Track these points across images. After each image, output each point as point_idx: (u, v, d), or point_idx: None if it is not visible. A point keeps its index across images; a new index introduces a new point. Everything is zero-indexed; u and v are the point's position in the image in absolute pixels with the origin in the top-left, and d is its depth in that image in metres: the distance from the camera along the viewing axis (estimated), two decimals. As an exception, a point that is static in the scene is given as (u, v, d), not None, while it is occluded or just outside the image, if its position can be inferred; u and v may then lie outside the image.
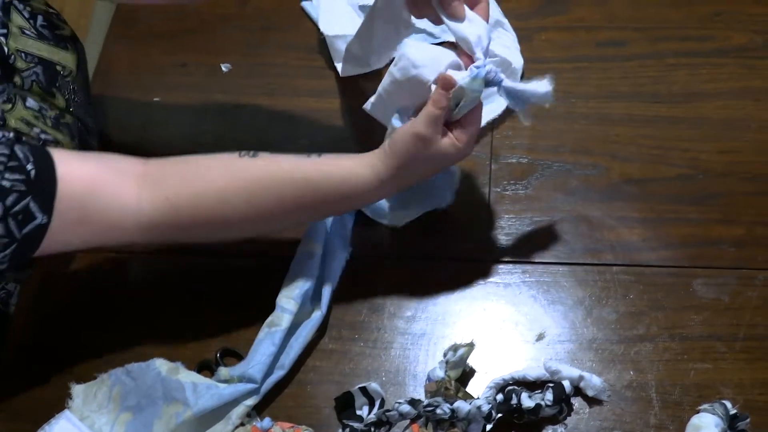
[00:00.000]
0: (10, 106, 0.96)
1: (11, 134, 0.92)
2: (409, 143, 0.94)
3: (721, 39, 1.19)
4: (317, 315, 1.01)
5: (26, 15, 1.01)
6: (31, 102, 0.98)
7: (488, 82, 0.94)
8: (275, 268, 1.04)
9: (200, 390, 0.95)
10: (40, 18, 1.03)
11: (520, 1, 1.24)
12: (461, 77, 0.92)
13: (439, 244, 1.07)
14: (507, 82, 0.95)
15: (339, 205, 1.00)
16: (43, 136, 0.98)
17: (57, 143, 0.99)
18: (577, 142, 1.12)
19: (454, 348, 0.96)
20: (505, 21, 1.20)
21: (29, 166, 0.87)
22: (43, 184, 0.88)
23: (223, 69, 1.24)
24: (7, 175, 0.85)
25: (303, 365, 1.00)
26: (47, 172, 0.88)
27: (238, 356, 1.01)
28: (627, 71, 1.18)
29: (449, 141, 0.94)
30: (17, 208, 0.86)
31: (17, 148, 0.88)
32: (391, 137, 0.96)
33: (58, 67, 1.04)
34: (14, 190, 0.86)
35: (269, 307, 1.00)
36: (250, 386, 0.96)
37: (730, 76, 1.16)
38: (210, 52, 1.25)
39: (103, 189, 0.92)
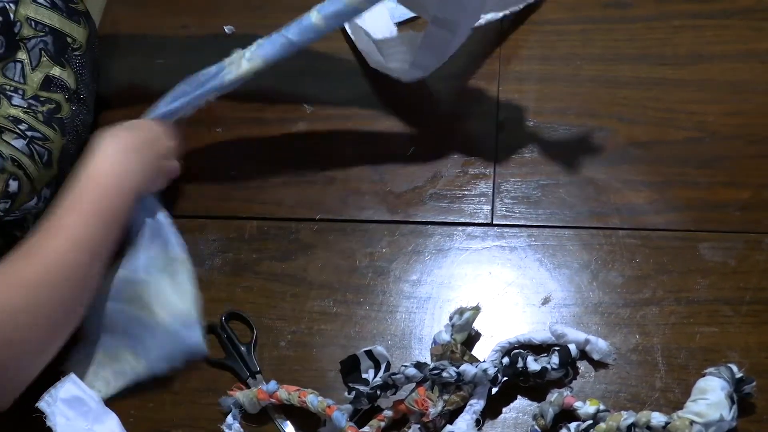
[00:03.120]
0: None
1: None
2: None
3: (727, 0, 1.18)
4: None
5: None
6: (18, 100, 0.97)
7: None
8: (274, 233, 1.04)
9: None
10: None
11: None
12: None
13: (444, 208, 1.07)
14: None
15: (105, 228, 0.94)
16: (30, 133, 0.96)
17: (46, 140, 0.98)
18: (583, 104, 1.12)
19: (460, 311, 0.96)
20: None
21: None
22: None
23: (226, 31, 1.23)
24: None
25: (308, 328, 1.00)
26: None
27: (244, 320, 1.01)
28: (633, 33, 1.17)
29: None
30: None
31: None
32: None
33: (69, 39, 1.02)
34: None
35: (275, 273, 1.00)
36: None
37: (736, 38, 1.15)
38: (213, 15, 1.24)
39: None
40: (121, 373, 0.98)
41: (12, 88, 0.95)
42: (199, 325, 0.99)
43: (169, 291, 0.98)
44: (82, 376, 0.96)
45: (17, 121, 0.94)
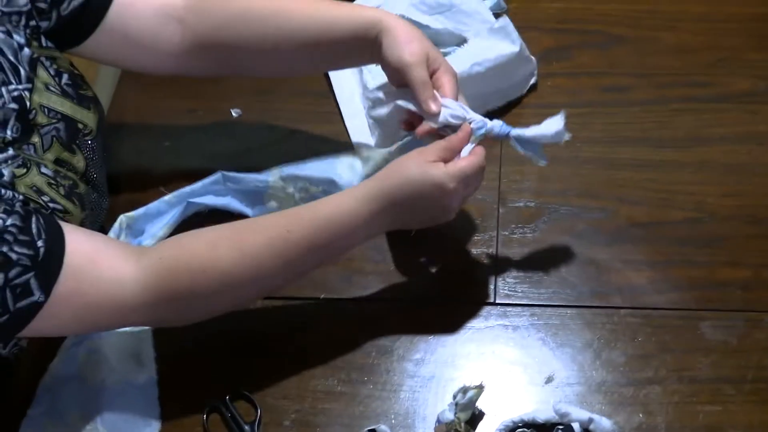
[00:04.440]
0: (24, 171, 0.95)
1: (21, 197, 0.91)
2: (405, 163, 0.96)
3: (724, 85, 1.21)
4: None
5: (52, 72, 1.02)
6: (46, 169, 0.98)
7: (495, 137, 0.98)
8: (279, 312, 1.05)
9: None
10: (65, 76, 1.03)
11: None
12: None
13: (448, 287, 1.08)
14: (515, 132, 0.98)
15: (332, 245, 0.98)
16: (51, 205, 0.97)
17: (66, 213, 0.99)
18: (584, 186, 1.14)
19: (464, 390, 0.96)
20: None
21: (39, 243, 0.87)
22: (49, 264, 0.88)
23: (233, 114, 1.25)
24: (16, 248, 0.85)
25: (312, 407, 1.00)
26: (55, 252, 0.88)
27: (248, 399, 1.01)
28: (632, 116, 1.19)
29: (444, 167, 0.96)
30: (18, 281, 0.85)
31: (33, 222, 0.88)
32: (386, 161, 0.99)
33: (80, 125, 1.04)
34: (20, 263, 0.85)
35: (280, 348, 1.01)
36: None
37: (733, 121, 1.18)
38: (220, 98, 1.27)
39: (101, 262, 0.92)
40: None
41: (36, 162, 0.97)
42: None
43: None
44: None
45: (40, 192, 0.96)
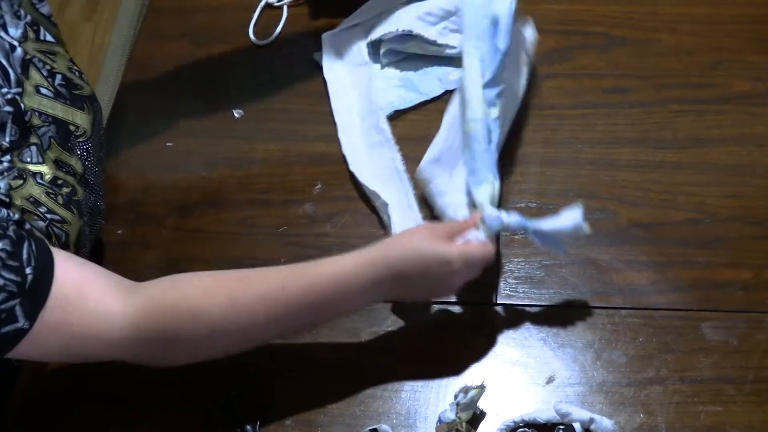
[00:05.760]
0: (20, 182, 0.95)
1: (16, 216, 0.90)
2: (413, 235, 0.97)
3: (724, 86, 1.22)
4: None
5: (45, 73, 1.01)
6: (42, 180, 0.97)
7: (513, 230, 1.00)
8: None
9: None
10: (58, 77, 1.02)
11: (526, 49, 1.27)
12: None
13: (449, 288, 1.08)
14: (533, 225, 0.99)
15: (327, 308, 0.97)
16: (49, 216, 0.96)
17: (65, 222, 0.98)
18: (585, 186, 1.14)
19: (465, 390, 0.96)
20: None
21: (28, 270, 0.86)
22: (36, 293, 0.86)
23: (235, 115, 1.25)
24: (3, 273, 0.84)
25: (314, 407, 1.00)
26: (44, 281, 0.87)
27: (250, 399, 1.01)
28: (632, 117, 1.20)
29: (454, 246, 0.96)
30: (2, 306, 0.84)
31: (24, 247, 0.86)
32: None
33: (72, 127, 1.03)
34: (6, 289, 0.84)
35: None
36: None
37: (733, 122, 1.18)
38: (222, 99, 1.27)
39: (90, 294, 0.90)
40: None
41: (31, 173, 0.97)
42: None
43: None
44: None
45: (38, 203, 0.96)
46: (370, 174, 1.15)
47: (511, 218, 0.99)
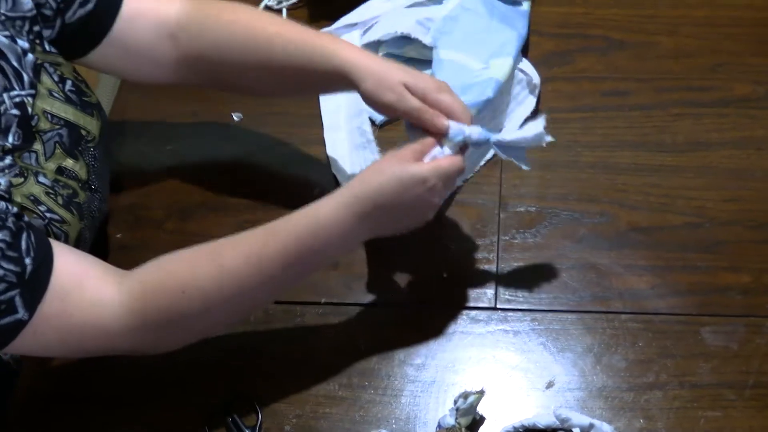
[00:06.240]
0: (21, 180, 0.95)
1: (15, 209, 0.90)
2: (382, 165, 0.96)
3: (724, 89, 1.21)
4: None
5: (56, 78, 1.01)
6: (44, 179, 0.98)
7: (476, 143, 0.98)
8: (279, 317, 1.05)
9: None
10: (69, 83, 1.03)
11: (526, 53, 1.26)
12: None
13: (448, 292, 1.08)
14: (495, 137, 0.98)
15: (311, 257, 0.96)
16: (49, 215, 0.97)
17: (64, 223, 0.99)
18: (584, 190, 1.14)
19: (465, 395, 0.96)
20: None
21: (27, 260, 0.86)
22: (35, 283, 0.87)
23: (234, 118, 1.25)
24: (3, 263, 0.85)
25: (313, 412, 1.00)
26: (43, 271, 0.88)
27: (249, 403, 1.01)
28: (632, 121, 1.19)
29: (425, 164, 0.95)
30: (2, 297, 0.85)
31: (23, 238, 0.87)
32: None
33: (83, 131, 1.04)
34: (5, 279, 0.85)
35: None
36: None
37: (733, 125, 1.18)
38: (221, 102, 1.27)
39: (88, 284, 0.91)
40: None
41: (34, 171, 0.97)
42: None
43: None
44: None
45: (37, 202, 0.96)
46: (350, 176, 1.15)
47: (472, 130, 0.98)
